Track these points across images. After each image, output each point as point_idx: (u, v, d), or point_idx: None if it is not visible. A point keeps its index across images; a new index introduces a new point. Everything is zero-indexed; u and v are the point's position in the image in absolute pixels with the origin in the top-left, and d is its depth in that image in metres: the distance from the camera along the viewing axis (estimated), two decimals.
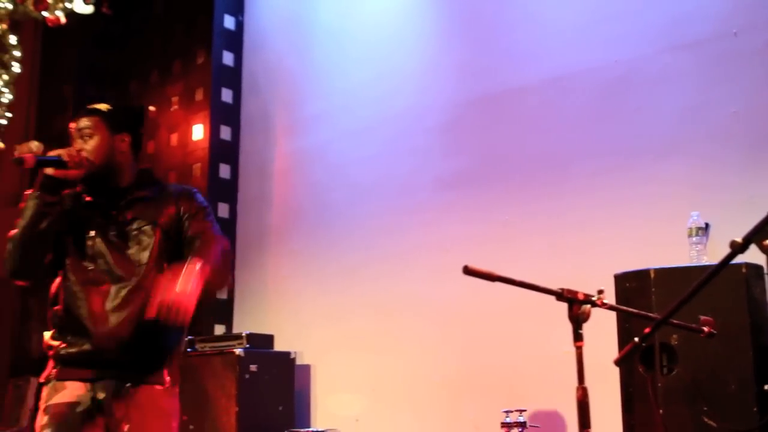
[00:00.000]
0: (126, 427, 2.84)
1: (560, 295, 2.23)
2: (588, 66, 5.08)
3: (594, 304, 2.24)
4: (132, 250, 2.97)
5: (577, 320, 2.21)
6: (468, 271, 2.16)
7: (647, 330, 2.16)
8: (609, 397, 3.79)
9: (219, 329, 6.68)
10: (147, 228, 3.01)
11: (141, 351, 2.89)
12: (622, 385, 3.78)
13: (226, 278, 3.06)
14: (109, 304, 2.89)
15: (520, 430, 4.40)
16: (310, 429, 5.39)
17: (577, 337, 2.21)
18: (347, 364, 5.94)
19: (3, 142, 7.44)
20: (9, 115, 7.45)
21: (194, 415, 5.51)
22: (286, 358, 5.93)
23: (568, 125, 5.12)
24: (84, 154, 2.98)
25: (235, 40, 7.35)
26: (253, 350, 5.74)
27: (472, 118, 5.65)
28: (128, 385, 2.88)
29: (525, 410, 4.44)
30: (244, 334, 5.80)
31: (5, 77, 7.31)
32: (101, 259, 2.97)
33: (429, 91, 5.95)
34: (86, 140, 3.03)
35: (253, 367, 5.62)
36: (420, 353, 5.56)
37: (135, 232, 3.00)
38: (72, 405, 2.85)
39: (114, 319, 2.87)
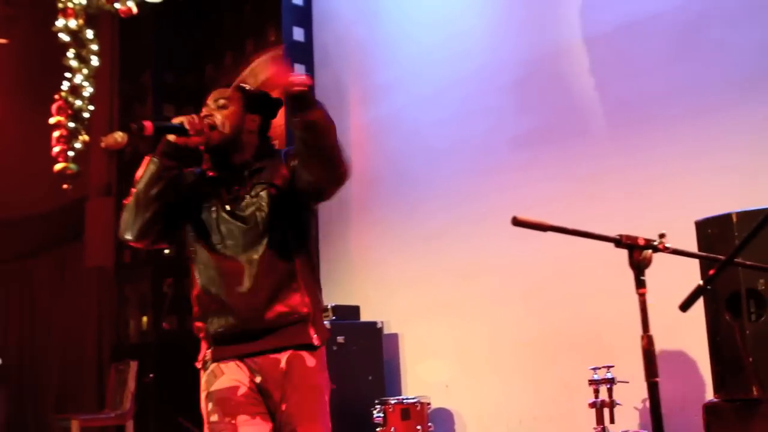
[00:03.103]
0: (284, 407, 2.86)
1: (618, 241, 2.13)
2: (659, 9, 4.89)
3: (656, 249, 2.13)
4: (255, 217, 2.94)
5: (639, 266, 2.11)
6: (518, 222, 2.09)
7: (712, 272, 2.05)
8: (697, 347, 3.67)
9: None
10: (263, 193, 2.98)
11: (283, 314, 2.88)
12: (709, 334, 3.65)
13: (334, 137, 2.86)
14: (244, 278, 2.88)
15: (608, 386, 4.31)
16: (401, 397, 5.38)
17: (640, 284, 2.11)
18: (434, 330, 5.92)
19: (88, 134, 7.62)
20: (92, 107, 7.63)
21: None
22: (372, 327, 5.94)
23: (643, 72, 4.95)
24: (209, 121, 2.97)
25: (304, 15, 7.35)
26: (339, 322, 5.77)
27: (543, 73, 5.52)
28: (282, 357, 2.88)
29: (613, 366, 4.34)
30: (329, 307, 5.83)
31: (85, 71, 7.48)
32: (228, 232, 2.97)
33: (498, 49, 5.84)
34: (219, 109, 3.04)
35: (340, 339, 5.65)
36: (505, 315, 5.50)
37: (255, 199, 2.97)
38: (232, 389, 2.87)
39: (252, 292, 2.87)
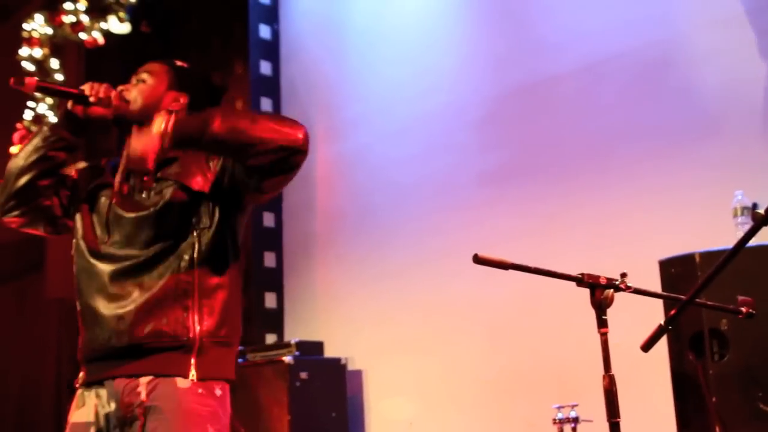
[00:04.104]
0: None
1: (580, 280, 2.13)
2: (623, 49, 4.97)
3: (618, 288, 2.14)
4: (148, 215, 2.48)
5: (600, 306, 2.12)
6: (479, 260, 2.09)
7: (673, 312, 2.06)
8: (660, 387, 3.68)
9: (270, 338, 6.67)
10: (167, 190, 2.51)
11: (152, 335, 2.36)
12: (673, 373, 3.66)
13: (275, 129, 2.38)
14: (115, 283, 2.41)
15: (573, 425, 4.29)
16: None
17: (602, 323, 2.12)
18: (398, 367, 5.88)
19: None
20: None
21: (246, 425, 5.47)
22: (336, 364, 5.89)
23: (607, 111, 5.02)
24: (123, 94, 2.56)
25: (272, 49, 7.35)
26: (303, 358, 5.71)
27: (509, 111, 5.56)
28: (141, 384, 2.34)
29: (577, 404, 4.32)
30: (293, 342, 5.77)
31: (49, 100, 7.41)
32: (115, 228, 2.51)
33: (464, 86, 5.88)
34: (137, 83, 2.62)
35: (303, 375, 5.60)
36: (469, 352, 5.48)
37: (154, 196, 2.52)
38: (83, 428, 2.41)
39: (118, 300, 2.39)
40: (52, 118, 7.32)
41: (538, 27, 5.52)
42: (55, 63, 7.47)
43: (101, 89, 2.52)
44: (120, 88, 2.59)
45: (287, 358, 5.54)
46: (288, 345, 5.79)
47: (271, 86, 7.27)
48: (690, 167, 4.54)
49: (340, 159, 6.68)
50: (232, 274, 2.54)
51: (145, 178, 2.57)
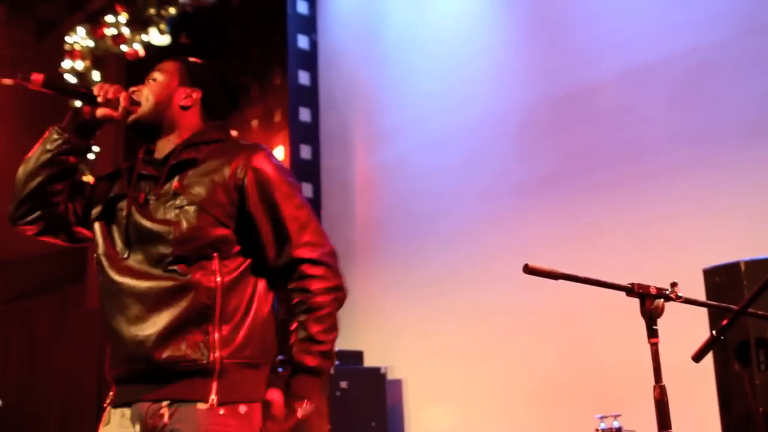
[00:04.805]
0: None
1: (630, 290, 2.10)
2: (664, 56, 4.93)
3: (668, 298, 2.11)
4: (166, 226, 2.30)
5: (650, 316, 2.09)
6: (529, 270, 2.07)
7: (725, 322, 2.03)
8: (705, 397, 3.63)
9: None
10: (188, 209, 2.31)
11: (172, 359, 2.26)
12: (718, 383, 3.61)
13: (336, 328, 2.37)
14: (136, 302, 2.29)
15: None
16: None
17: (652, 333, 2.08)
18: (438, 376, 5.86)
19: (93, 174, 7.63)
20: (96, 149, 7.65)
21: None
22: (376, 373, 5.88)
23: (648, 119, 4.98)
24: (135, 96, 2.43)
25: (310, 59, 7.39)
26: (342, 367, 5.72)
27: (548, 119, 5.54)
28: (164, 407, 2.25)
29: (620, 414, 4.28)
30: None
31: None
32: (133, 240, 2.35)
33: (504, 95, 5.86)
34: (150, 83, 2.49)
35: (343, 384, 5.60)
36: (511, 361, 5.45)
37: (171, 202, 2.33)
38: None
39: (139, 321, 2.28)
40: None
41: (577, 35, 5.50)
42: (96, 75, 7.57)
43: (110, 90, 2.41)
44: (132, 89, 2.47)
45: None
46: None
47: (310, 96, 7.30)
48: (734, 175, 4.49)
49: (378, 168, 6.69)
50: (259, 293, 2.39)
51: (155, 193, 2.39)
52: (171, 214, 2.32)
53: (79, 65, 7.42)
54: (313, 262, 2.34)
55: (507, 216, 5.67)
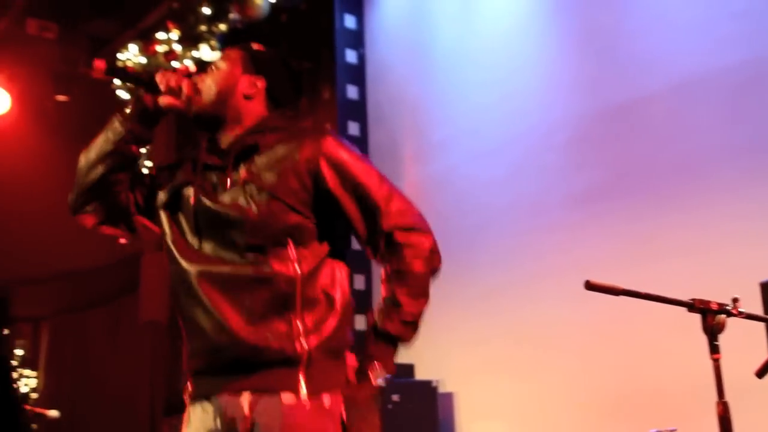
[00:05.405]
0: None
1: (692, 306, 2.10)
2: (717, 67, 4.88)
3: (729, 314, 2.11)
4: (238, 213, 2.25)
5: (712, 332, 2.08)
6: (590, 286, 2.07)
7: None
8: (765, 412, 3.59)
9: None
10: (260, 197, 2.25)
11: (257, 349, 2.20)
12: None
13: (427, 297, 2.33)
14: (214, 292, 2.24)
15: None
16: None
17: (714, 349, 2.09)
18: (490, 390, 5.85)
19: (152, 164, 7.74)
20: (149, 163, 7.75)
21: None
22: (427, 386, 5.88)
23: (700, 132, 4.94)
24: (189, 81, 2.40)
25: (358, 73, 7.43)
26: (393, 380, 5.72)
27: (599, 131, 5.51)
28: (243, 399, 2.20)
29: (675, 429, 4.24)
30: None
31: None
32: (203, 229, 2.30)
33: (553, 107, 5.85)
34: (211, 71, 2.46)
35: (395, 397, 5.61)
36: (564, 375, 5.42)
37: (239, 189, 2.28)
38: None
39: (220, 311, 2.22)
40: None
41: (627, 47, 5.47)
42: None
43: (172, 78, 2.39)
44: (194, 78, 2.43)
45: (378, 381, 5.55)
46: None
47: (358, 110, 7.35)
48: None
49: (427, 181, 6.71)
50: (338, 279, 2.33)
51: (222, 181, 2.34)
52: (242, 201, 2.25)
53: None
54: (405, 228, 2.31)
55: (558, 228, 5.64)
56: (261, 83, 2.44)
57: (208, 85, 2.40)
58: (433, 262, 2.33)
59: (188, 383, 2.35)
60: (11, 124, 8.47)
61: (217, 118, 2.41)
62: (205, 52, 7.03)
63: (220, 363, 2.24)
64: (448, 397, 6.08)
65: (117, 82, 7.13)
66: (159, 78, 2.38)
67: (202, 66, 7.14)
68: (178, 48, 7.16)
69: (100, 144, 2.41)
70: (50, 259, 9.25)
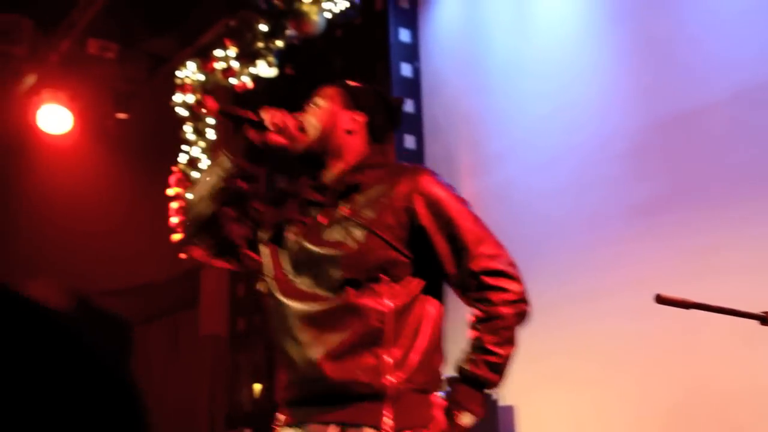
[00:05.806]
0: None
1: (764, 319, 2.06)
2: None
3: None
4: (337, 250, 2.32)
5: None
6: (661, 299, 2.05)
7: None
8: None
9: None
10: (358, 232, 2.33)
11: (344, 383, 2.27)
12: None
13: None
14: (306, 324, 2.31)
15: None
16: None
17: None
18: (551, 403, 5.79)
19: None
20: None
21: None
22: (487, 400, 5.83)
23: (764, 140, 4.84)
24: (295, 121, 2.48)
25: (414, 87, 7.45)
26: None
27: (660, 141, 5.44)
28: (333, 428, 2.26)
29: None
30: (443, 378, 5.77)
31: (202, 143, 7.71)
32: (302, 264, 2.38)
33: (612, 117, 5.79)
34: (311, 109, 2.54)
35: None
36: (626, 389, 5.35)
37: (341, 226, 2.35)
38: None
39: (309, 344, 2.29)
40: (205, 162, 7.62)
41: (685, 55, 5.40)
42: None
43: (277, 116, 2.46)
44: (297, 117, 2.51)
45: (439, 393, 5.54)
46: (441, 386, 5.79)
47: (414, 123, 7.35)
48: None
49: (484, 193, 6.68)
50: (429, 316, 2.41)
51: (323, 218, 2.41)
52: (341, 237, 2.33)
53: (190, 98, 7.64)
54: (494, 273, 2.37)
55: (618, 240, 5.58)
56: (361, 118, 2.53)
57: (312, 123, 2.49)
58: (521, 308, 2.35)
59: (278, 413, 2.43)
60: (74, 142, 8.66)
61: (321, 155, 2.50)
62: (262, 69, 7.10)
63: (311, 395, 2.33)
64: (509, 410, 6.04)
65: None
66: (263, 116, 2.45)
67: (257, 82, 7.24)
68: (235, 65, 7.24)
69: (209, 179, 2.51)
70: (112, 275, 9.41)
